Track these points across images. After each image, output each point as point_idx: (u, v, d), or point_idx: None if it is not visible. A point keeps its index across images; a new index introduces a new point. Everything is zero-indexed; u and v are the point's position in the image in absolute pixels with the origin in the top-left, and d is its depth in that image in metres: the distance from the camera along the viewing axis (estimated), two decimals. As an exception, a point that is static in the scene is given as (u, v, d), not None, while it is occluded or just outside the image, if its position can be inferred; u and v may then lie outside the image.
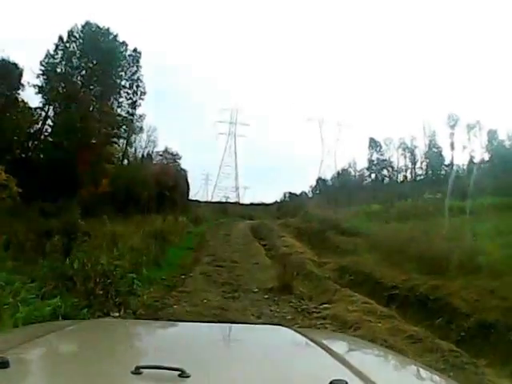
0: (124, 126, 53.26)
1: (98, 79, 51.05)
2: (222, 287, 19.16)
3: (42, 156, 48.75)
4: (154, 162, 61.01)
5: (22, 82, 47.00)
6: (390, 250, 21.65)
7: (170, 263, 24.21)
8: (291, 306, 16.47)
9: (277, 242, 31.77)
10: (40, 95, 49.60)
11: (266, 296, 17.90)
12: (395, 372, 3.41)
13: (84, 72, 51.64)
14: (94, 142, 49.23)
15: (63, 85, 50.16)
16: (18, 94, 47.24)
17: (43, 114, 49.59)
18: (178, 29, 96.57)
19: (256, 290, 18.84)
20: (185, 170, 62.49)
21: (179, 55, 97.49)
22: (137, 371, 2.37)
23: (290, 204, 64.57)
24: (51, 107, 50.23)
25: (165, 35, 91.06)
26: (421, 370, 3.47)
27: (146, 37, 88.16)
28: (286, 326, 4.90)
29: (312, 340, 3.52)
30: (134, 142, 59.15)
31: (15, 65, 45.98)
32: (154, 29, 74.44)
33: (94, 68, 50.81)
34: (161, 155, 62.35)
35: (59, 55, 51.31)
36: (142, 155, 61.18)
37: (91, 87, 51.32)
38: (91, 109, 49.80)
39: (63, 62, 51.31)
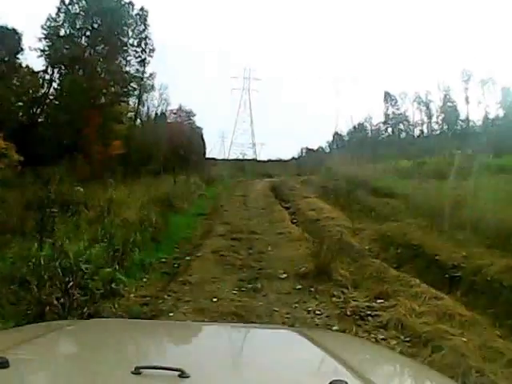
0: (133, 84, 49.59)
1: (104, 39, 46.92)
2: (238, 273, 14.32)
3: (47, 120, 44.90)
4: (169, 120, 55.91)
5: (23, 46, 43.45)
6: (436, 214, 17.99)
7: (173, 238, 18.99)
8: (335, 304, 11.48)
9: (301, 203, 27.24)
10: (42, 59, 45.55)
11: (298, 286, 13.02)
12: (395, 372, 3.23)
13: (88, 33, 47.27)
14: (101, 102, 45.87)
15: (67, 47, 46.03)
16: (18, 58, 43.74)
17: (47, 77, 46.17)
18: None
19: (284, 275, 13.97)
20: (200, 128, 58.73)
21: (192, 15, 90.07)
22: (137, 371, 2.28)
23: (309, 160, 59.82)
24: (55, 70, 46.57)
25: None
26: (421, 370, 3.50)
27: None
28: (286, 327, 5.15)
29: (312, 340, 3.31)
30: (146, 100, 53.69)
31: (14, 30, 42.70)
32: None
33: (99, 28, 47.04)
34: (175, 113, 57.41)
35: (61, 18, 46.92)
36: (156, 114, 55.63)
37: (96, 48, 47.57)
38: (97, 69, 46.49)
39: (66, 25, 46.87)
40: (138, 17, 49.69)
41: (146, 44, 49.86)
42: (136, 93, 50.86)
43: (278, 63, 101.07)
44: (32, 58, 45.20)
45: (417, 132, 64.92)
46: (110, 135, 44.32)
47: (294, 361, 2.90)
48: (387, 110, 64.55)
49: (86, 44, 46.96)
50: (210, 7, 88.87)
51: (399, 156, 36.27)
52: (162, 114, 55.74)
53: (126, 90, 48.53)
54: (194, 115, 58.32)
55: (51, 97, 46.36)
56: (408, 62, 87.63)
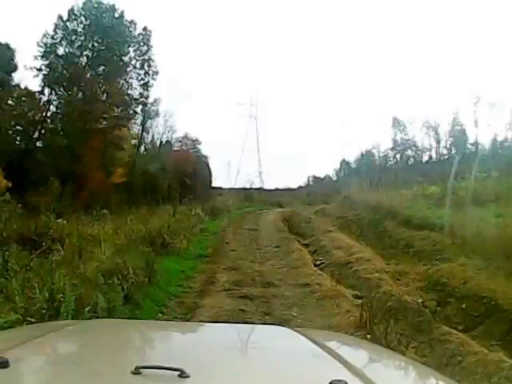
0: (135, 107, 46.55)
1: (104, 59, 43.54)
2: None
3: (44, 145, 41.98)
4: (174, 148, 54.06)
5: (17, 64, 40.50)
6: (496, 251, 13.48)
7: (158, 297, 12.53)
8: None
9: (323, 239, 21.29)
10: (39, 78, 42.50)
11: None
12: (395, 372, 3.10)
13: (88, 52, 43.99)
14: (101, 126, 42.56)
15: (65, 66, 42.74)
16: (12, 77, 40.73)
17: (44, 98, 42.58)
18: (194, 15, 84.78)
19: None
20: (206, 156, 56.03)
21: (199, 43, 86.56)
22: (137, 371, 2.19)
23: (319, 188, 58.55)
24: (53, 91, 42.93)
25: (181, 19, 78.95)
26: (421, 370, 3.23)
27: (162, 19, 79.62)
28: (286, 326, 4.38)
29: (312, 340, 3.15)
30: (151, 127, 51.60)
31: (7, 45, 39.49)
32: (170, 11, 65.47)
33: (99, 47, 43.68)
34: (180, 141, 55.35)
35: (59, 35, 43.47)
36: (161, 141, 52.95)
37: (96, 68, 44.17)
38: (97, 90, 42.84)
39: (64, 42, 43.55)
40: (141, 37, 46.78)
41: (149, 66, 47.14)
42: (139, 118, 48.51)
43: (282, 91, 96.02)
44: (28, 76, 44.82)
45: (425, 157, 62.75)
46: (111, 162, 41.91)
47: (294, 360, 2.74)
48: (395, 135, 62.86)
49: (85, 64, 43.75)
50: (217, 35, 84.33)
51: (420, 181, 31.18)
52: (168, 141, 53.97)
53: (126, 113, 45.06)
54: (200, 143, 56.08)
55: (48, 120, 42.77)
56: (416, 86, 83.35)
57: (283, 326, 4.48)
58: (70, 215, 24.37)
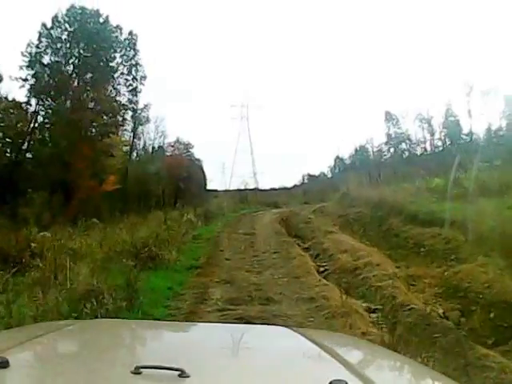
0: (124, 114, 44.76)
1: (91, 66, 42.12)
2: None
3: (32, 155, 40.93)
4: (167, 153, 52.65)
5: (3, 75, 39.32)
6: None
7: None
8: None
9: (325, 242, 19.08)
10: (25, 89, 40.93)
11: None
12: (395, 372, 2.98)
13: (74, 59, 42.50)
14: (91, 134, 41.55)
15: (51, 75, 41.34)
16: None
17: (31, 109, 41.06)
18: (186, 16, 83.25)
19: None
20: (199, 160, 55.01)
21: (189, 46, 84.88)
22: (136, 371, 2.12)
23: (315, 186, 56.88)
24: (40, 101, 41.45)
25: (170, 22, 77.84)
26: (421, 370, 3.17)
27: (154, 21, 77.49)
28: (286, 326, 4.19)
29: (312, 340, 3.05)
30: (142, 133, 50.15)
31: None
32: (162, 12, 64.81)
33: (85, 54, 42.22)
34: (172, 146, 53.93)
35: (44, 43, 42.05)
36: (153, 147, 51.77)
37: (83, 75, 42.76)
38: (84, 98, 41.47)
39: (49, 51, 42.13)
40: (128, 42, 45.10)
41: (136, 71, 45.65)
42: (129, 124, 47.16)
43: (273, 90, 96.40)
44: (14, 87, 43.46)
45: (420, 150, 61.18)
46: (102, 170, 40.70)
47: (294, 360, 2.68)
48: (389, 129, 61.22)
49: (71, 72, 42.43)
50: (208, 36, 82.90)
51: (422, 174, 29.33)
52: (160, 147, 52.74)
53: (116, 120, 43.46)
54: (192, 147, 54.67)
55: (36, 130, 41.46)
56: (408, 79, 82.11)
57: (283, 326, 4.37)
58: (58, 226, 23.07)
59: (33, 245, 16.88)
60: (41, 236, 18.77)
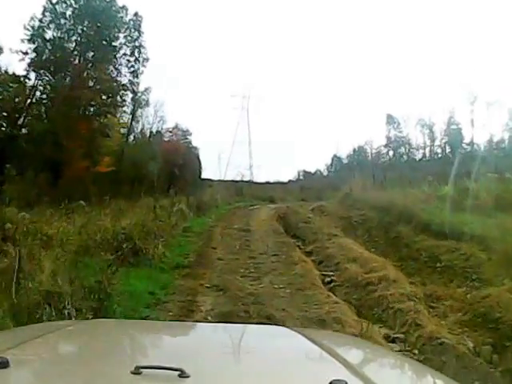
0: (122, 94, 42.97)
1: (93, 44, 40.51)
2: None
3: (26, 130, 38.71)
4: (164, 139, 51.33)
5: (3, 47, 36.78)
6: None
7: None
8: None
9: (329, 247, 16.69)
10: (24, 62, 38.73)
11: None
12: (395, 372, 2.94)
13: (76, 36, 40.78)
14: (88, 113, 40.23)
15: (52, 50, 39.31)
16: None
17: (29, 83, 39.12)
18: (188, 4, 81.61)
19: None
20: (196, 148, 54.22)
21: (192, 33, 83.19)
22: (136, 371, 2.08)
23: (312, 183, 55.65)
24: (39, 76, 39.52)
25: (175, 9, 76.14)
26: (421, 370, 3.06)
27: (156, 7, 75.06)
28: (286, 326, 4.36)
29: (312, 340, 3.00)
30: (141, 116, 48.95)
31: None
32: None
33: (88, 32, 40.40)
34: (170, 132, 52.45)
35: (47, 18, 40.04)
36: (151, 132, 50.36)
37: (84, 53, 41.05)
38: (84, 76, 39.72)
39: (52, 26, 40.07)
40: (132, 23, 43.44)
41: (139, 52, 44.02)
42: (129, 107, 45.86)
43: (276, 84, 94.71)
44: (14, 61, 40.66)
45: (419, 155, 61.70)
46: (97, 151, 39.03)
47: (294, 360, 2.63)
48: (389, 132, 61.48)
49: (73, 48, 40.70)
50: (211, 27, 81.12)
51: (430, 181, 27.12)
52: (158, 132, 51.35)
53: (114, 100, 41.80)
54: (191, 134, 53.56)
55: (33, 106, 39.64)
56: (412, 83, 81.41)
57: (283, 326, 4.39)
58: (42, 207, 21.79)
59: (7, 226, 14.57)
60: (20, 217, 16.68)
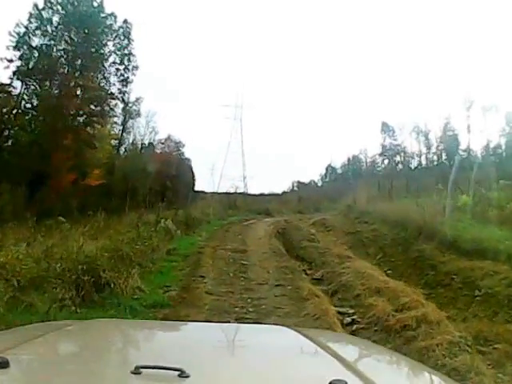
0: (109, 102, 40.23)
1: (80, 51, 38.17)
2: None
3: (11, 142, 36.01)
4: (157, 150, 49.21)
5: None
6: None
7: None
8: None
9: (343, 272, 12.84)
10: (9, 70, 36.38)
11: None
12: (395, 372, 2.78)
13: (63, 44, 38.57)
14: (74, 123, 37.21)
15: (39, 58, 37.10)
16: None
17: (14, 91, 36.76)
18: (179, 15, 78.85)
19: None
20: (189, 159, 51.39)
21: (184, 43, 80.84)
22: (136, 371, 1.98)
23: (308, 194, 52.08)
24: (24, 84, 37.17)
25: (166, 19, 73.04)
26: (421, 370, 2.91)
27: (147, 18, 74.90)
28: (286, 326, 3.79)
29: (312, 340, 2.88)
30: (132, 127, 46.46)
31: None
32: (156, 10, 64.63)
33: (76, 39, 38.18)
34: (163, 143, 50.34)
35: (33, 25, 37.87)
36: (142, 143, 48.13)
37: (72, 61, 38.42)
38: (71, 85, 37.15)
39: (38, 33, 37.87)
40: (122, 30, 41.35)
41: (129, 60, 41.90)
42: (117, 116, 43.53)
43: (268, 94, 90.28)
44: None
45: (414, 163, 58.09)
46: (86, 163, 36.44)
47: (294, 360, 2.55)
48: (384, 140, 57.99)
49: (59, 56, 38.42)
50: (203, 34, 78.84)
51: (437, 189, 23.63)
52: (150, 143, 49.18)
53: (101, 109, 38.93)
54: (183, 146, 50.96)
55: (19, 116, 37.16)
56: (407, 89, 79.03)
57: (283, 325, 3.93)
58: (17, 223, 19.73)
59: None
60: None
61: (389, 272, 13.41)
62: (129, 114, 43.93)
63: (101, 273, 10.53)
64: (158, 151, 48.50)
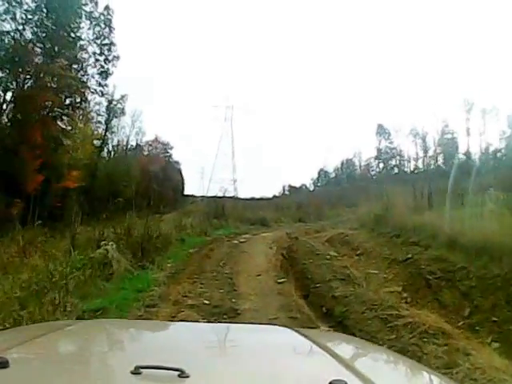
0: (83, 93, 34.02)
1: (54, 38, 32.10)
2: None
3: None
4: (144, 152, 46.13)
5: None
6: None
7: None
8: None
9: (434, 362, 5.65)
10: None
11: None
12: (395, 372, 2.63)
13: (35, 28, 32.44)
14: (46, 117, 31.41)
15: (8, 44, 31.29)
16: None
17: None
18: (170, 14, 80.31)
19: None
20: (178, 162, 48.92)
21: (172, 42, 79.12)
22: (136, 371, 1.87)
23: (299, 198, 45.90)
24: None
25: (156, 18, 74.81)
26: (421, 370, 2.73)
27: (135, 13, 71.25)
28: (286, 326, 3.57)
29: (312, 340, 2.69)
30: (116, 127, 41.93)
31: None
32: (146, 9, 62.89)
33: (48, 23, 32.38)
34: (150, 145, 47.14)
35: (2, 8, 31.71)
36: (127, 144, 44.23)
37: (45, 48, 32.34)
38: (41, 73, 31.24)
39: (7, 17, 31.60)
40: (102, 18, 35.85)
41: (109, 50, 36.23)
42: (103, 116, 38.92)
43: (259, 96, 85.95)
44: None
45: (411, 167, 55.98)
46: (61, 162, 31.26)
47: (294, 360, 2.42)
48: (379, 143, 56.32)
49: (29, 41, 32.15)
50: (193, 33, 75.65)
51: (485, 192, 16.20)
52: (137, 145, 45.66)
53: (72, 100, 33.05)
54: (172, 148, 48.13)
55: None
56: (404, 91, 75.34)
57: (283, 326, 3.65)
58: None
59: None
60: None
61: (495, 345, 6.69)
62: (113, 112, 39.54)
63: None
64: (145, 153, 45.44)
